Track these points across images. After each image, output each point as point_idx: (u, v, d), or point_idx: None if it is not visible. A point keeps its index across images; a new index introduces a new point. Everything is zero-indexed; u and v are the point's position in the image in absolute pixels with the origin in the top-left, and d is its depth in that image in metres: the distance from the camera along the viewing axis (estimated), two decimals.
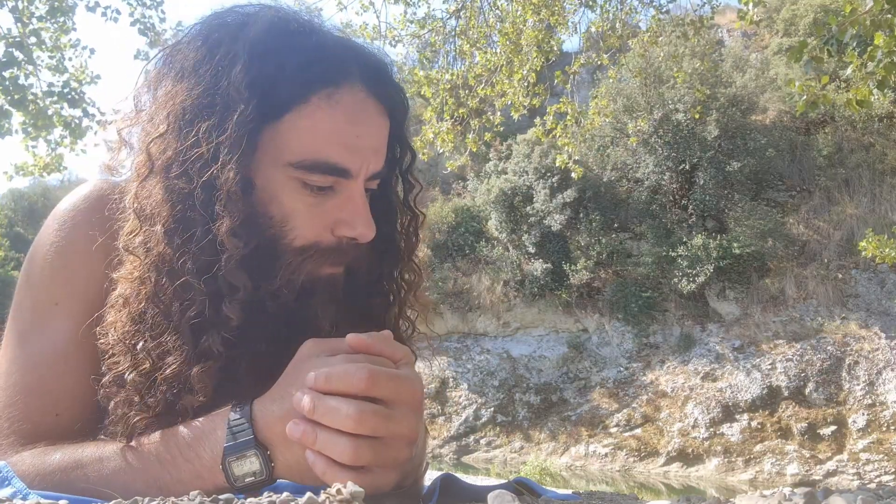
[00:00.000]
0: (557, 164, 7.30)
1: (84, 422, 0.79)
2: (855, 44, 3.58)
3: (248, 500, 0.56)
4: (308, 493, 0.53)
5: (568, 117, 6.83)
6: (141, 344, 0.75)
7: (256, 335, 0.78)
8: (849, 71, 3.80)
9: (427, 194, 19.70)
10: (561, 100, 6.88)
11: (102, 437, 0.77)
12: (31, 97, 5.46)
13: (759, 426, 11.76)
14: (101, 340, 0.78)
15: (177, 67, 0.81)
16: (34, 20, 5.64)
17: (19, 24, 5.52)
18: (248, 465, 0.64)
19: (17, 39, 5.42)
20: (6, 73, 5.28)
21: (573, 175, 7.26)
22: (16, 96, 5.26)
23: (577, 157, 7.33)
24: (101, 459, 0.71)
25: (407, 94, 0.93)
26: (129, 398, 0.75)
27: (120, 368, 0.76)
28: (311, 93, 0.78)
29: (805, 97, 3.74)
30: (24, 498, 0.65)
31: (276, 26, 0.80)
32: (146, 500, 0.54)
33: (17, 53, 5.35)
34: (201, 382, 0.74)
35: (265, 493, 0.59)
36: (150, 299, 0.76)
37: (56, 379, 0.80)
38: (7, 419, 0.79)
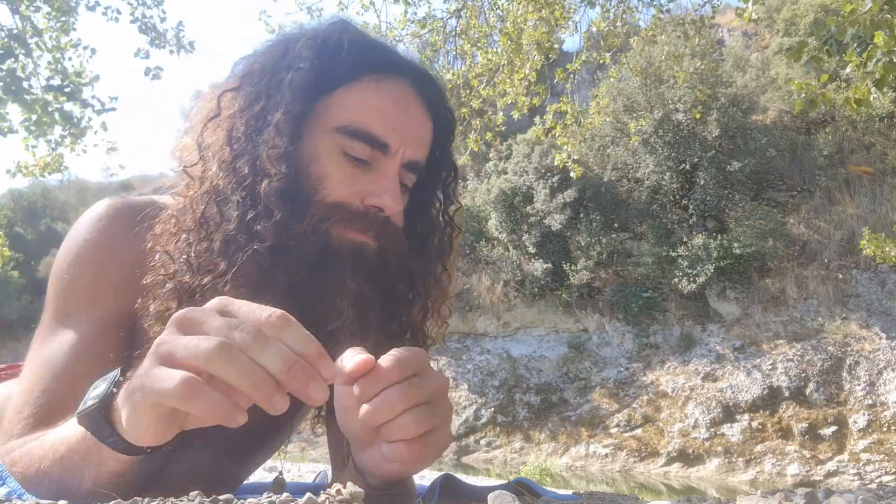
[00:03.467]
0: (556, 164, 7.29)
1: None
2: (856, 44, 3.58)
3: (249, 500, 0.56)
4: (308, 494, 0.53)
5: (567, 116, 6.82)
6: (184, 257, 0.84)
7: (285, 282, 0.83)
8: (848, 70, 3.80)
9: None
10: (561, 99, 6.87)
11: None
12: (30, 92, 5.45)
13: (760, 426, 11.76)
14: (148, 245, 0.87)
15: (257, 55, 0.96)
16: (34, 14, 5.63)
17: (18, 18, 5.51)
18: (95, 391, 0.63)
19: (16, 32, 5.41)
20: (4, 65, 5.27)
21: (572, 174, 7.25)
22: (13, 88, 5.24)
23: (576, 157, 7.32)
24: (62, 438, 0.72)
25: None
26: (168, 305, 0.83)
27: (160, 275, 0.85)
28: (362, 74, 0.90)
29: (804, 96, 3.74)
30: (20, 497, 0.65)
31: (338, 25, 0.95)
32: (146, 500, 0.54)
33: (14, 45, 5.34)
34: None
35: (265, 494, 0.59)
36: (198, 222, 0.86)
37: (69, 375, 0.82)
38: (27, 407, 0.82)
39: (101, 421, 0.60)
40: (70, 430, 0.68)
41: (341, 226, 0.86)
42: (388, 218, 0.90)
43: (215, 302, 0.60)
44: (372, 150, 0.88)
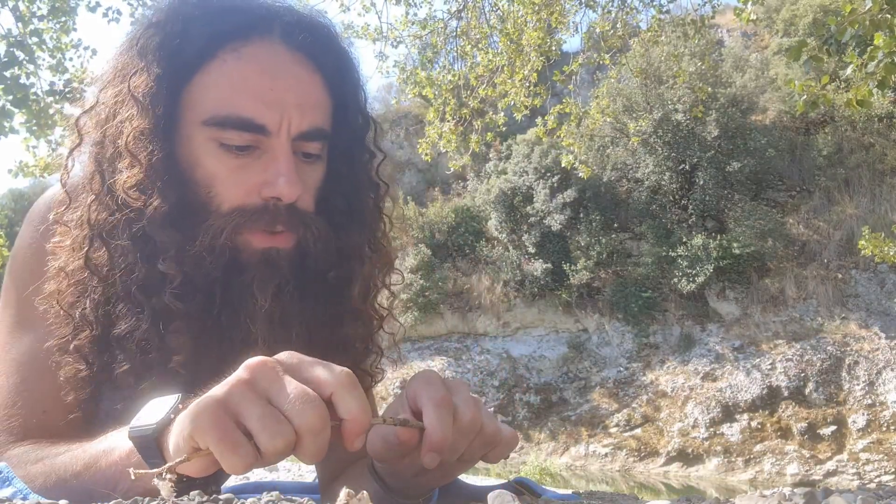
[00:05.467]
0: (563, 165, 7.34)
1: (72, 417, 0.80)
2: (855, 44, 3.58)
3: (249, 499, 0.57)
4: (307, 498, 0.54)
5: (571, 118, 6.84)
6: (79, 312, 0.77)
7: (192, 306, 0.76)
8: (849, 71, 3.80)
9: (427, 194, 19.71)
10: (563, 100, 6.89)
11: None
12: (32, 97, 5.46)
13: (759, 426, 11.76)
14: (42, 308, 0.79)
15: (109, 61, 0.83)
16: (35, 20, 5.64)
17: (20, 24, 5.51)
18: (152, 413, 0.61)
19: (19, 39, 5.42)
20: (7, 73, 5.27)
21: (581, 174, 7.30)
22: (18, 95, 5.25)
23: (582, 158, 7.36)
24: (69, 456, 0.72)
25: (356, 64, 0.89)
26: (76, 367, 0.77)
27: (63, 338, 0.78)
28: (217, 48, 0.77)
29: (805, 97, 3.75)
30: (25, 498, 0.65)
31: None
32: (146, 500, 0.54)
33: (18, 53, 5.34)
34: (177, 341, 0.75)
35: (265, 493, 0.59)
36: (88, 267, 0.77)
37: (38, 380, 0.81)
38: (12, 418, 0.81)
39: (153, 445, 0.59)
40: (111, 445, 0.66)
41: (245, 233, 0.77)
42: (293, 205, 0.79)
43: (292, 359, 0.58)
44: (250, 135, 0.76)
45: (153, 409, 0.61)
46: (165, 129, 0.77)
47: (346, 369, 0.57)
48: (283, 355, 0.59)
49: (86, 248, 0.77)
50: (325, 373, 0.57)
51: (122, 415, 0.76)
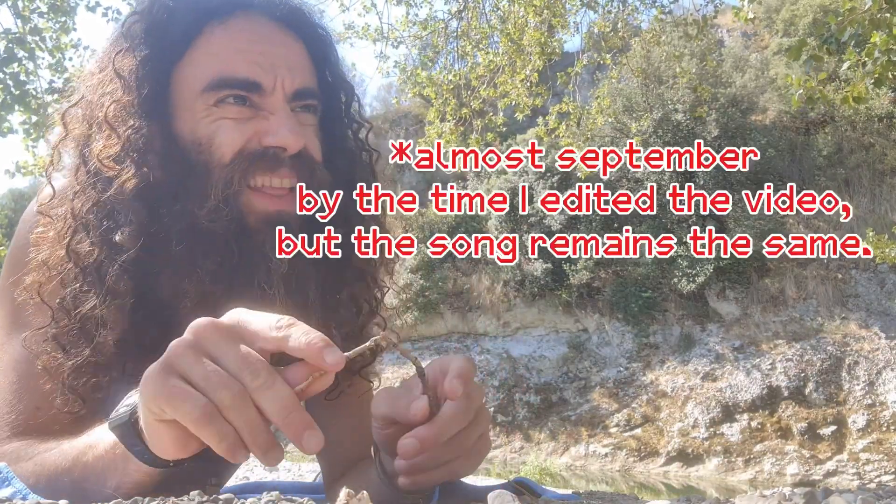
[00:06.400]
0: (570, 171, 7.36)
1: (64, 412, 0.80)
2: (854, 43, 3.59)
3: (249, 499, 0.56)
4: (307, 498, 0.53)
5: (570, 117, 6.85)
6: (58, 301, 0.78)
7: (200, 269, 0.77)
8: (845, 66, 3.80)
9: (427, 194, 19.70)
10: (563, 100, 6.89)
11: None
12: (33, 92, 5.46)
13: (759, 426, 11.76)
14: (21, 299, 0.80)
15: (95, 54, 0.88)
16: (35, 16, 5.64)
17: (19, 21, 5.51)
18: (129, 400, 0.62)
19: (18, 35, 5.41)
20: (7, 69, 5.27)
21: (579, 175, 7.30)
22: (16, 92, 5.24)
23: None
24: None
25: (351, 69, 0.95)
26: (53, 356, 0.78)
27: (42, 328, 0.79)
28: (202, 25, 0.81)
29: (800, 91, 3.76)
30: (24, 498, 0.65)
31: None
32: (146, 500, 0.54)
33: (17, 50, 5.34)
34: (113, 317, 0.76)
35: (265, 493, 0.59)
36: (69, 256, 0.78)
37: (32, 377, 0.82)
38: (9, 414, 0.83)
39: (131, 431, 0.60)
40: (96, 439, 0.67)
41: (250, 191, 0.79)
42: (300, 153, 0.80)
43: (234, 318, 0.56)
44: (248, 94, 0.79)
45: (130, 397, 0.61)
46: (153, 106, 0.79)
47: (286, 317, 0.56)
48: (228, 314, 0.58)
49: (68, 239, 0.78)
50: (267, 322, 0.56)
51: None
